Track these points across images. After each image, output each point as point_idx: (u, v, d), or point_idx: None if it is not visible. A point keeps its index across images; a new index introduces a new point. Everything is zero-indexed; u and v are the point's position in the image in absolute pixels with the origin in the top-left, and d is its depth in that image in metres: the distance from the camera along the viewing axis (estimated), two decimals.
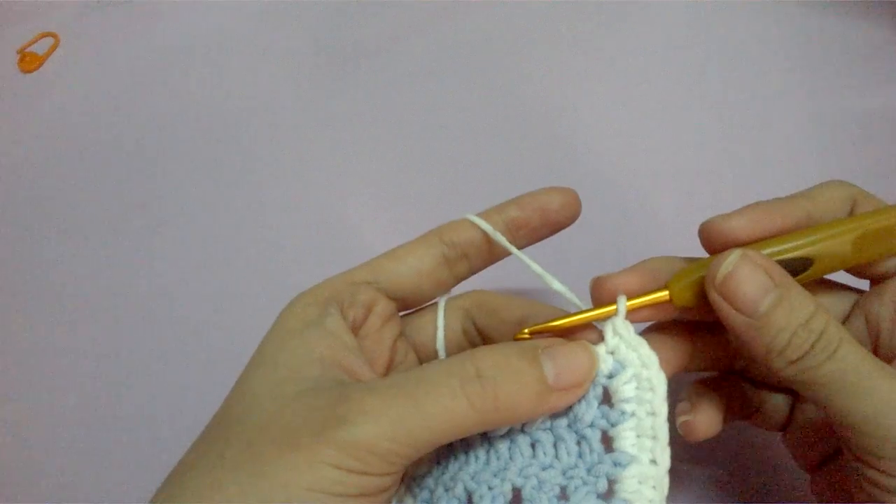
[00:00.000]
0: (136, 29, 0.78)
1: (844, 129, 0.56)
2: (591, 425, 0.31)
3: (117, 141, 0.69)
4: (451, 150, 0.62)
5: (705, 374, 0.38)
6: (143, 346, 0.56)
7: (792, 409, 0.37)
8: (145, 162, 0.67)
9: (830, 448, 0.35)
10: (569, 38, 0.67)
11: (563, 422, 0.32)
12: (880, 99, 0.57)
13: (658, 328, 0.36)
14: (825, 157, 0.55)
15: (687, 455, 0.44)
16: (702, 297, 0.31)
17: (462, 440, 0.33)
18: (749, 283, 0.29)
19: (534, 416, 0.30)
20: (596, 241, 0.52)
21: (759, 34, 0.63)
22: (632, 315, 0.32)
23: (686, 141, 0.58)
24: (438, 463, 0.33)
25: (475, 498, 0.30)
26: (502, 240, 0.35)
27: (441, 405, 0.28)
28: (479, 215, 0.36)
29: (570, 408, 0.32)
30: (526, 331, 0.32)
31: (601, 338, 0.32)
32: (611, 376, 0.31)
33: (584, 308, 0.33)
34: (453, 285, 0.37)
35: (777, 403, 0.37)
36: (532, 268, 0.34)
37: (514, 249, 0.35)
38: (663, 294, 0.32)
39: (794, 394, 0.37)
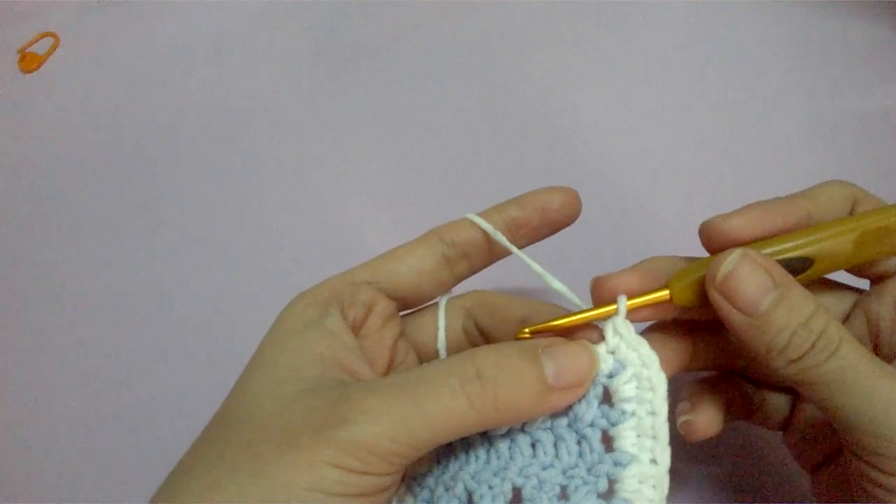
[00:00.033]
0: (136, 29, 0.78)
1: (844, 129, 0.56)
2: (592, 425, 0.31)
3: (117, 141, 0.69)
4: (451, 150, 0.62)
5: (706, 374, 0.38)
6: (143, 346, 0.56)
7: (792, 408, 0.37)
8: (145, 162, 0.67)
9: (831, 448, 0.35)
10: (569, 38, 0.67)
11: (563, 421, 0.32)
12: (880, 99, 0.57)
13: (658, 328, 0.36)
14: (825, 157, 0.55)
15: (687, 455, 0.44)
16: (702, 297, 0.31)
17: (462, 440, 0.33)
18: (749, 282, 0.29)
19: (534, 416, 0.30)
20: (596, 240, 0.52)
21: (759, 34, 0.63)
22: (632, 315, 0.32)
23: (686, 141, 0.58)
24: (439, 462, 0.33)
25: (475, 497, 0.30)
26: (503, 239, 0.35)
27: (441, 405, 0.28)
28: (479, 215, 0.36)
29: (570, 407, 0.32)
30: (527, 330, 0.32)
31: (602, 337, 0.32)
32: (611, 376, 0.31)
33: (584, 308, 0.33)
34: (453, 285, 0.37)
35: (778, 403, 0.37)
36: (532, 267, 0.34)
37: (514, 249, 0.35)
38: (664, 294, 0.32)
39: (795, 393, 0.37)
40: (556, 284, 0.34)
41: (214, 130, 0.68)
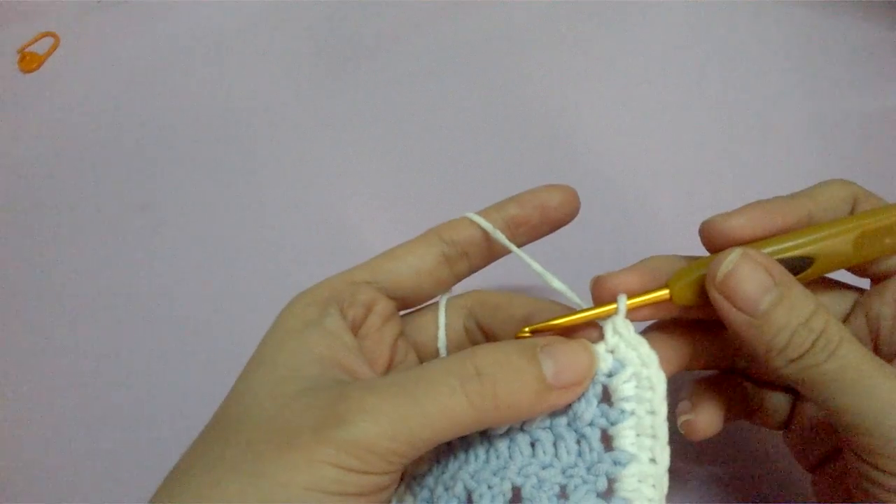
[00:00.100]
0: (136, 29, 0.78)
1: (844, 129, 0.56)
2: (591, 424, 0.31)
3: (118, 141, 0.69)
4: (451, 150, 0.62)
5: (706, 373, 0.38)
6: (143, 346, 0.56)
7: (793, 407, 0.37)
8: (145, 162, 0.67)
9: (831, 447, 0.35)
10: (569, 38, 0.67)
11: (562, 420, 0.32)
12: (880, 99, 0.57)
13: (659, 327, 0.36)
14: (825, 157, 0.55)
15: (687, 454, 0.44)
16: (702, 296, 0.31)
17: (462, 439, 0.33)
18: (749, 281, 0.29)
19: (533, 414, 0.30)
20: (596, 240, 0.52)
21: (759, 34, 0.63)
22: (632, 314, 0.32)
23: (686, 141, 0.58)
24: (438, 462, 0.33)
25: (475, 497, 0.30)
26: (502, 238, 0.35)
27: (440, 403, 0.28)
28: (478, 213, 0.36)
29: (569, 406, 0.32)
30: (527, 329, 0.32)
31: (601, 336, 0.32)
32: (610, 375, 0.31)
33: (584, 307, 0.33)
34: (453, 284, 0.37)
35: (778, 402, 0.37)
36: (532, 266, 0.34)
37: (513, 248, 0.35)
38: (664, 293, 0.32)
39: (795, 393, 0.37)
40: (556, 283, 0.34)
41: (214, 130, 0.68)
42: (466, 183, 0.60)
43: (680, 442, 0.33)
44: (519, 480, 0.30)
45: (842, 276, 0.35)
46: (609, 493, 0.30)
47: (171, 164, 0.66)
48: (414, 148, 0.63)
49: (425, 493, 0.33)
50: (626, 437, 0.30)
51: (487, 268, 0.38)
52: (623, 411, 0.31)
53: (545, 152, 0.60)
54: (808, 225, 0.33)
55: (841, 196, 0.34)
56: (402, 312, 0.37)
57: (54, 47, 0.78)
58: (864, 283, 0.35)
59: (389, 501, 0.31)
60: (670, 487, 0.30)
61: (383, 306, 0.35)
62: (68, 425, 0.53)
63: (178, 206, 0.64)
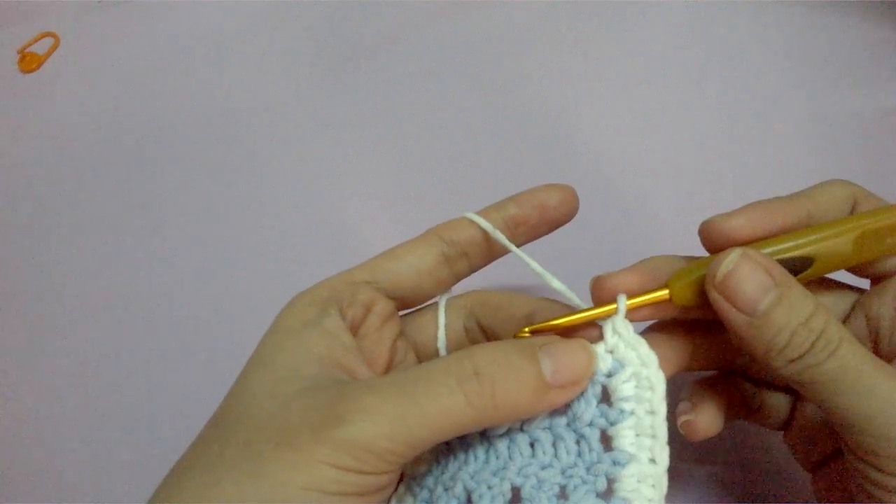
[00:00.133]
0: (136, 29, 0.78)
1: (844, 129, 0.56)
2: (590, 424, 0.31)
3: (117, 141, 0.69)
4: (451, 150, 0.62)
5: (706, 374, 0.38)
6: (143, 346, 0.56)
7: (793, 408, 0.37)
8: (145, 162, 0.67)
9: (831, 447, 0.35)
10: (569, 38, 0.67)
11: (562, 421, 0.32)
12: (880, 99, 0.57)
13: (658, 327, 0.36)
14: (825, 157, 0.55)
15: (687, 454, 0.44)
16: (702, 296, 0.31)
17: (461, 439, 0.33)
18: (749, 281, 0.29)
19: (532, 414, 0.30)
20: (596, 240, 0.52)
21: (759, 34, 0.63)
22: (632, 314, 0.32)
23: (686, 141, 0.58)
24: (438, 462, 0.33)
25: (474, 497, 0.30)
26: (502, 238, 0.35)
27: (439, 403, 0.28)
28: (478, 213, 0.36)
29: (569, 406, 0.32)
30: (526, 329, 0.32)
31: (601, 336, 0.32)
32: (610, 375, 0.31)
33: (584, 307, 0.33)
34: (453, 284, 0.37)
35: (778, 402, 0.37)
36: (531, 266, 0.34)
37: (513, 247, 0.35)
38: (663, 293, 0.32)
39: (795, 393, 0.37)
40: (556, 283, 0.34)
41: (214, 130, 0.68)
42: (466, 183, 0.60)
43: (680, 442, 0.33)
44: (518, 481, 0.30)
45: (842, 276, 0.35)
46: (608, 493, 0.30)
47: (171, 164, 0.66)
48: (414, 148, 0.63)
49: (425, 494, 0.33)
50: (626, 437, 0.30)
51: (487, 267, 0.38)
52: (622, 411, 0.31)
53: (545, 152, 0.60)
54: (808, 225, 0.33)
55: (841, 196, 0.34)
56: (401, 312, 0.37)
57: (54, 47, 0.78)
58: (864, 283, 0.35)
59: (388, 501, 0.31)
60: (670, 487, 0.30)
61: (383, 306, 0.35)
62: (68, 425, 0.54)
63: (178, 206, 0.64)
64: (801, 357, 0.29)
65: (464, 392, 0.28)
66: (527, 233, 0.36)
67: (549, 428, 0.32)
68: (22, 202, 0.67)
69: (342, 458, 0.26)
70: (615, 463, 0.30)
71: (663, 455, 0.30)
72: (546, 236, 0.37)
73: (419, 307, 0.38)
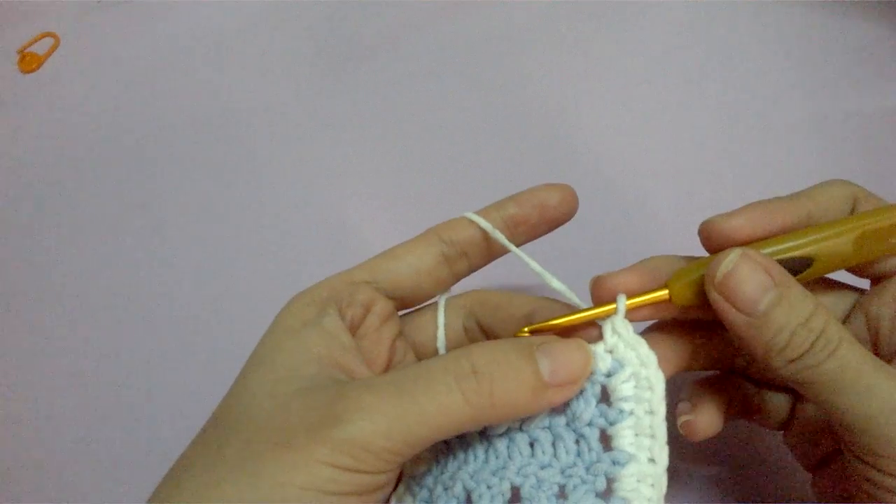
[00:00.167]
0: (136, 29, 0.78)
1: (844, 129, 0.56)
2: (590, 424, 0.31)
3: (117, 141, 0.69)
4: (451, 150, 0.62)
5: (706, 374, 0.38)
6: (143, 346, 0.56)
7: (793, 407, 0.37)
8: (145, 162, 0.67)
9: (831, 447, 0.35)
10: (569, 38, 0.67)
11: (561, 420, 0.32)
12: (880, 99, 0.57)
13: (658, 327, 0.36)
14: (825, 157, 0.55)
15: (687, 454, 0.44)
16: (701, 296, 0.31)
17: (461, 439, 0.33)
18: (748, 281, 0.29)
19: (529, 413, 0.30)
20: (596, 240, 0.52)
21: (759, 34, 0.63)
22: (631, 314, 0.32)
23: (686, 141, 0.58)
24: (437, 462, 0.33)
25: (474, 497, 0.30)
26: (501, 237, 0.35)
27: (437, 401, 0.28)
28: (477, 213, 0.36)
29: (568, 406, 0.32)
30: (526, 329, 0.33)
31: (601, 336, 0.32)
32: (609, 375, 0.31)
33: (583, 307, 0.33)
34: (452, 283, 0.37)
35: (778, 402, 0.37)
36: (531, 266, 0.34)
37: (512, 247, 0.35)
38: (663, 293, 0.32)
39: (795, 393, 0.37)
40: (555, 283, 0.34)
41: (214, 130, 0.68)
42: (466, 183, 0.60)
43: (679, 442, 0.33)
44: (518, 480, 0.30)
45: (842, 276, 0.35)
46: (608, 492, 0.30)
47: (171, 164, 0.66)
48: (414, 148, 0.63)
49: (424, 494, 0.33)
50: (625, 436, 0.30)
51: (487, 267, 0.38)
52: (622, 411, 0.31)
53: (545, 152, 0.60)
54: (807, 225, 0.33)
55: (841, 196, 0.34)
56: (401, 312, 0.37)
57: (54, 47, 0.78)
58: (864, 283, 0.35)
59: (387, 501, 0.31)
60: (670, 487, 0.30)
61: (382, 306, 0.35)
62: (68, 425, 0.54)
63: (178, 206, 0.64)
64: (800, 357, 0.29)
65: (462, 390, 0.28)
66: (526, 232, 0.36)
67: (549, 427, 0.32)
68: (22, 202, 0.67)
69: (340, 458, 0.26)
70: (614, 462, 0.30)
71: (662, 455, 0.30)
72: (546, 236, 0.37)
73: (418, 307, 0.38)
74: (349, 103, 0.67)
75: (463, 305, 0.37)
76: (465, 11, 0.71)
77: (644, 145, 0.59)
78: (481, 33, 0.69)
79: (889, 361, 0.31)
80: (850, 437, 0.29)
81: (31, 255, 0.63)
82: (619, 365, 0.31)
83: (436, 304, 0.38)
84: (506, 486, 0.30)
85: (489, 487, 0.30)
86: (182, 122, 0.69)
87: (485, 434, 0.33)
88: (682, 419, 0.36)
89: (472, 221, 0.35)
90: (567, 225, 0.37)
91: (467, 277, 0.37)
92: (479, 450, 0.32)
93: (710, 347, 0.36)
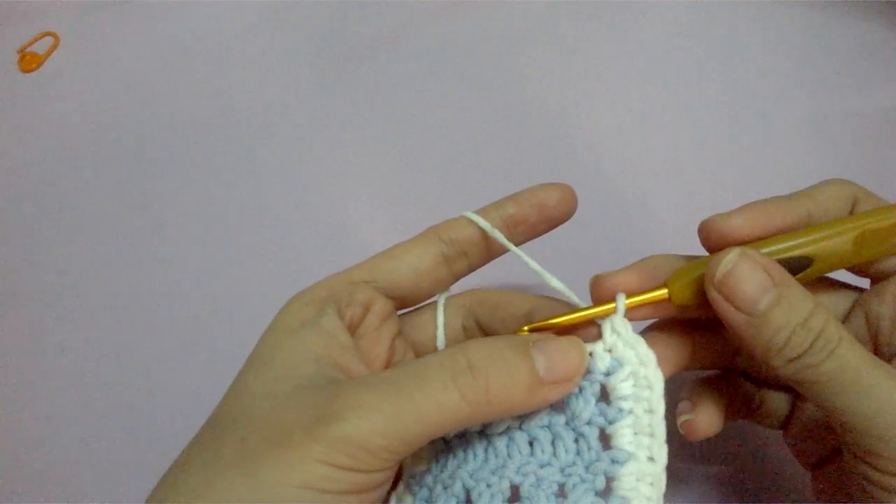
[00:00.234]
0: (136, 29, 0.78)
1: (844, 129, 0.56)
2: (589, 423, 0.31)
3: (117, 141, 0.69)
4: (451, 150, 0.62)
5: (706, 373, 0.38)
6: (144, 346, 0.56)
7: (793, 407, 0.37)
8: (145, 162, 0.67)
9: (831, 446, 0.35)
10: (569, 38, 0.67)
11: (560, 419, 0.32)
12: (880, 99, 0.57)
13: (658, 327, 0.36)
14: (825, 157, 0.55)
15: (687, 453, 0.44)
16: (701, 296, 0.31)
17: (460, 438, 0.33)
18: (748, 281, 0.29)
19: (526, 409, 0.30)
20: (595, 239, 0.52)
21: (759, 34, 0.63)
22: (631, 313, 0.32)
23: (686, 141, 0.58)
24: (437, 461, 0.33)
25: (474, 496, 0.30)
26: (500, 237, 0.35)
27: (434, 398, 0.28)
28: (476, 212, 0.36)
29: (567, 405, 0.32)
30: (525, 328, 0.33)
31: (600, 335, 0.32)
32: (608, 374, 0.31)
33: (583, 306, 0.33)
34: (452, 283, 0.37)
35: (778, 402, 0.37)
36: (530, 265, 0.34)
37: (512, 247, 0.35)
38: (662, 292, 0.32)
39: (795, 392, 0.37)
40: (555, 282, 0.34)
41: (214, 130, 0.68)
42: (466, 183, 0.60)
43: (679, 441, 0.33)
44: (517, 479, 0.30)
45: (842, 276, 0.35)
46: (607, 491, 0.30)
47: (171, 164, 0.66)
48: (414, 148, 0.63)
49: (424, 493, 0.32)
50: (624, 435, 0.30)
51: (486, 267, 0.38)
52: (621, 410, 0.31)
53: (545, 152, 0.60)
54: (807, 225, 0.33)
55: (841, 196, 0.34)
56: (400, 312, 0.37)
57: (54, 47, 0.78)
58: (864, 283, 0.35)
59: (386, 500, 0.31)
60: (669, 486, 0.30)
61: (381, 306, 0.35)
62: (68, 425, 0.54)
63: (178, 206, 0.64)
64: (799, 357, 0.29)
65: (458, 387, 0.28)
66: (525, 232, 0.36)
67: (548, 426, 0.32)
68: (22, 202, 0.67)
69: (335, 456, 0.26)
70: (614, 461, 0.30)
71: (662, 453, 0.30)
72: (545, 236, 0.37)
73: (418, 306, 0.38)
74: (349, 103, 0.67)
75: (462, 305, 0.37)
76: (465, 11, 0.71)
77: (644, 145, 0.59)
78: (481, 33, 0.69)
79: (889, 361, 0.31)
80: (850, 437, 0.29)
81: (31, 255, 0.63)
82: (619, 364, 0.31)
83: (435, 303, 0.38)
84: (505, 485, 0.30)
85: (489, 486, 0.30)
86: (182, 122, 0.69)
87: (484, 433, 0.33)
88: (681, 419, 0.36)
89: (471, 221, 0.35)
90: (566, 224, 0.37)
91: (467, 277, 0.37)
92: (479, 448, 0.32)
93: (709, 347, 0.36)
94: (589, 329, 0.33)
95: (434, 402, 0.28)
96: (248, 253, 0.60)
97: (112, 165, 0.68)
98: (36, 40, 0.78)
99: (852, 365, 0.28)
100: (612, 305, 0.32)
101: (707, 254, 0.33)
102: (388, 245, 0.36)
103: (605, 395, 0.32)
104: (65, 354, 0.57)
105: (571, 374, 0.30)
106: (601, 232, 0.54)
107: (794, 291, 0.29)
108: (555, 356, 0.30)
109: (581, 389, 0.32)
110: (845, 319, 0.35)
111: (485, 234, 0.35)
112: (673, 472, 0.30)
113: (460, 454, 0.33)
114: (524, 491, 0.30)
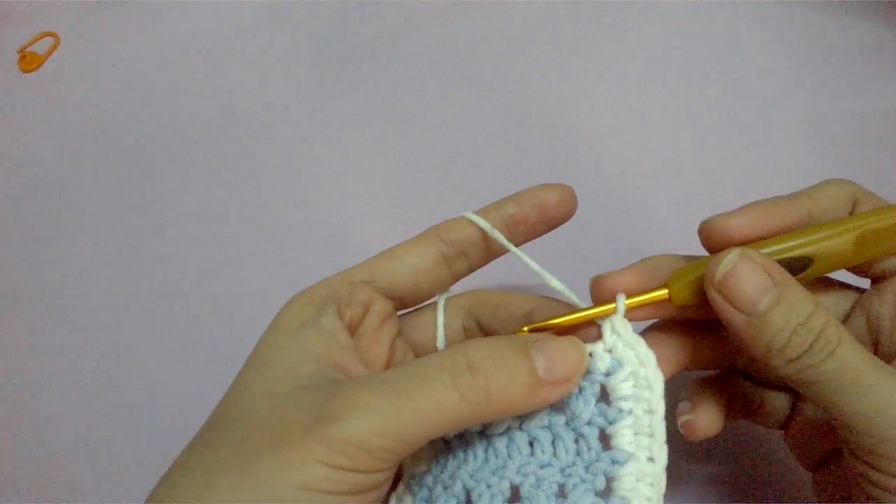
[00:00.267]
0: (136, 29, 0.78)
1: (844, 129, 0.56)
2: (589, 423, 0.31)
3: (117, 141, 0.69)
4: (451, 150, 0.62)
5: (706, 374, 0.38)
6: (143, 346, 0.56)
7: (793, 407, 0.37)
8: (145, 162, 0.67)
9: (832, 446, 0.35)
10: (569, 38, 0.67)
11: (560, 419, 0.32)
12: (880, 99, 0.57)
13: (658, 327, 0.36)
14: (825, 157, 0.55)
15: (688, 453, 0.44)
16: (701, 296, 0.31)
17: (460, 438, 0.33)
18: (748, 281, 0.29)
19: (525, 409, 0.30)
20: (595, 239, 0.52)
21: (759, 34, 0.63)
22: (631, 313, 0.32)
23: (686, 141, 0.58)
24: (437, 461, 0.33)
25: (474, 496, 0.30)
26: (500, 237, 0.35)
27: (433, 398, 0.28)
28: (476, 213, 0.36)
29: (567, 405, 0.32)
30: (525, 328, 0.33)
31: (600, 335, 0.32)
32: (608, 374, 0.31)
33: (583, 306, 0.33)
34: (452, 283, 0.37)
35: (778, 402, 0.37)
36: (530, 265, 0.34)
37: (511, 247, 0.35)
38: (662, 292, 0.32)
39: (795, 392, 0.37)
40: (555, 283, 0.34)
41: (214, 130, 0.68)
42: (466, 183, 0.60)
43: (679, 441, 0.33)
44: (517, 479, 0.30)
45: (842, 276, 0.35)
46: (607, 491, 0.30)
47: (171, 164, 0.66)
48: (414, 148, 0.63)
49: (424, 493, 0.32)
50: (624, 436, 0.30)
51: (486, 267, 0.38)
52: (621, 410, 0.31)
53: (545, 152, 0.60)
54: (807, 225, 0.33)
55: (841, 196, 0.34)
56: (400, 312, 0.37)
57: (54, 47, 0.78)
58: (864, 283, 0.35)
59: (386, 501, 0.31)
60: (669, 487, 0.30)
61: (381, 306, 0.35)
62: (68, 425, 0.54)
63: (178, 206, 0.64)
64: (800, 357, 0.29)
65: (457, 387, 0.28)
66: (525, 232, 0.36)
67: (548, 427, 0.32)
68: (22, 202, 0.67)
69: (334, 456, 0.26)
70: (614, 462, 0.30)
71: (662, 454, 0.30)
72: (545, 236, 0.37)
73: (418, 307, 0.38)
74: (349, 103, 0.67)
75: (462, 305, 0.37)
76: (465, 11, 0.71)
77: (644, 145, 0.59)
78: (481, 33, 0.69)
79: (889, 361, 0.31)
80: (850, 436, 0.29)
81: (31, 255, 0.63)
82: (618, 364, 0.31)
83: (435, 303, 0.38)
84: (505, 486, 0.30)
85: (489, 486, 0.30)
86: (182, 122, 0.69)
87: (484, 433, 0.33)
88: (682, 419, 0.36)
89: (471, 221, 0.35)
90: (567, 225, 0.37)
91: (467, 277, 0.37)
92: (479, 449, 0.32)
93: (709, 347, 0.36)
94: (589, 329, 0.33)
95: (434, 402, 0.28)
96: (248, 253, 0.60)
97: (112, 165, 0.68)
98: (36, 40, 0.78)
99: (852, 365, 0.28)
100: (612, 306, 0.32)
101: (707, 254, 0.33)
102: (388, 245, 0.36)
103: (605, 396, 0.32)
104: (65, 354, 0.57)
105: (571, 375, 0.30)
106: (601, 232, 0.53)
107: (794, 292, 0.29)
108: (555, 356, 0.30)
109: (581, 390, 0.32)
110: (845, 320, 0.35)
111: (485, 235, 0.35)
112: (673, 472, 0.30)
113: (460, 454, 0.33)
114: (524, 491, 0.30)
